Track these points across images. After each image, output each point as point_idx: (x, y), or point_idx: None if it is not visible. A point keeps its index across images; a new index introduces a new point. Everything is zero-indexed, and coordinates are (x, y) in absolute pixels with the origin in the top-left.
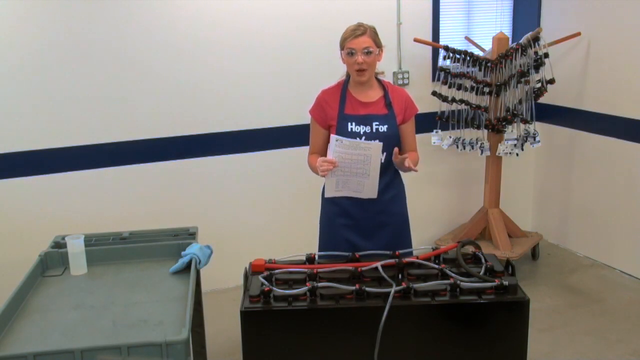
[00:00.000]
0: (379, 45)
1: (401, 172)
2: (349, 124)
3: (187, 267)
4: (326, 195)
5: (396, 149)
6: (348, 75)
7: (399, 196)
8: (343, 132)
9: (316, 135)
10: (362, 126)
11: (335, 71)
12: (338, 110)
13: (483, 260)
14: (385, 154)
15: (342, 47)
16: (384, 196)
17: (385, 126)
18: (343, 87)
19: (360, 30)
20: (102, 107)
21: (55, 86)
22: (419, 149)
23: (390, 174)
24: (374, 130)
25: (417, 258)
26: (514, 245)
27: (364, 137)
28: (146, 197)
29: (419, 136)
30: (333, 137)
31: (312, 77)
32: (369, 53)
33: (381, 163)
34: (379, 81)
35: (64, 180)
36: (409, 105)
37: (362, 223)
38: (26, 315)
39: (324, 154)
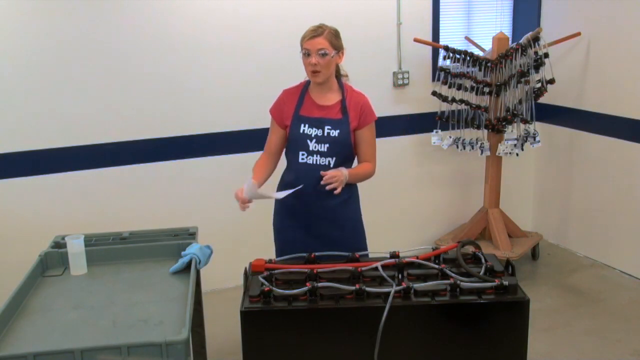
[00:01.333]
0: (336, 47)
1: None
2: (302, 125)
3: (187, 267)
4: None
5: (322, 173)
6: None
7: (351, 200)
8: (295, 131)
9: (272, 134)
10: (314, 129)
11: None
12: (294, 110)
13: (483, 260)
14: (335, 159)
15: (301, 47)
16: (334, 201)
17: (337, 131)
18: (303, 88)
19: (317, 31)
20: (103, 107)
21: (55, 86)
22: (419, 149)
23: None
24: (325, 134)
25: (417, 258)
26: (514, 245)
27: (314, 140)
28: (146, 197)
29: (419, 136)
30: (251, 180)
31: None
32: (324, 55)
33: (330, 167)
34: (340, 85)
35: (64, 180)
36: (366, 112)
37: (314, 227)
38: (26, 315)
39: (277, 155)
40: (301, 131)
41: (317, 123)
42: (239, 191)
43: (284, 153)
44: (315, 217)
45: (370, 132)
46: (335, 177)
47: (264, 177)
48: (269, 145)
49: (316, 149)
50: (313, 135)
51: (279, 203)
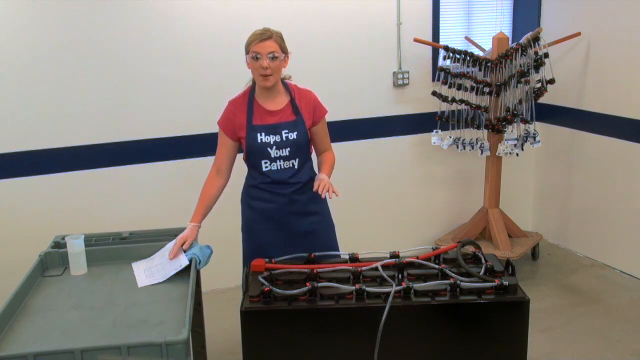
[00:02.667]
0: (284, 51)
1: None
2: (258, 134)
3: (187, 267)
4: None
5: (315, 185)
6: (254, 82)
7: (317, 196)
8: (253, 143)
9: (222, 148)
10: (271, 136)
11: (334, 71)
12: (246, 121)
13: (483, 260)
14: (298, 159)
15: (247, 51)
16: (301, 196)
17: (295, 133)
18: (249, 96)
19: (266, 34)
20: (102, 107)
21: (55, 86)
22: (419, 149)
23: (304, 176)
24: (284, 139)
25: (417, 258)
26: (514, 245)
27: (274, 147)
28: (146, 197)
29: (419, 136)
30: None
31: (312, 76)
32: (274, 58)
33: (295, 169)
34: (286, 86)
35: (64, 180)
36: (317, 107)
37: (286, 226)
38: (26, 315)
39: (228, 171)
40: (259, 141)
41: (273, 129)
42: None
43: (243, 160)
44: (287, 214)
45: (324, 125)
46: (325, 184)
47: (211, 205)
48: (218, 162)
49: (278, 155)
50: (272, 142)
51: (248, 208)
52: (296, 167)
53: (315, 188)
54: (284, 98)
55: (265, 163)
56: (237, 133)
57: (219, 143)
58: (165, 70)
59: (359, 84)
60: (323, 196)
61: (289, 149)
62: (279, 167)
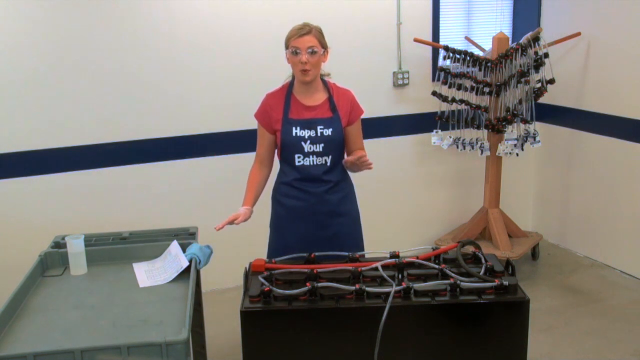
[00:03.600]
0: (324, 46)
1: (351, 174)
2: (294, 128)
3: (187, 268)
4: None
5: (346, 158)
6: (293, 77)
7: (348, 197)
8: (287, 136)
9: (261, 141)
10: (306, 130)
11: (334, 71)
12: (282, 114)
13: (483, 260)
14: (331, 157)
15: (286, 46)
16: (332, 196)
17: (330, 129)
18: (287, 91)
19: (305, 29)
20: (102, 107)
21: (55, 86)
22: (419, 149)
23: (337, 176)
24: (319, 134)
25: (417, 258)
26: (514, 245)
27: (308, 142)
28: (146, 197)
29: (419, 136)
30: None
31: None
32: (313, 53)
33: (327, 166)
34: (325, 83)
35: (64, 180)
36: (354, 108)
37: (314, 225)
38: (26, 315)
39: (270, 162)
40: (294, 134)
41: (309, 124)
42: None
43: (277, 157)
44: (318, 214)
45: (359, 126)
46: (365, 156)
47: (259, 192)
48: (260, 154)
49: (311, 150)
50: (306, 137)
51: (278, 204)
52: (329, 164)
53: (352, 158)
54: (322, 95)
55: (299, 157)
56: (273, 126)
57: (258, 136)
58: (165, 71)
59: (359, 84)
60: (357, 156)
61: (322, 144)
62: (311, 163)
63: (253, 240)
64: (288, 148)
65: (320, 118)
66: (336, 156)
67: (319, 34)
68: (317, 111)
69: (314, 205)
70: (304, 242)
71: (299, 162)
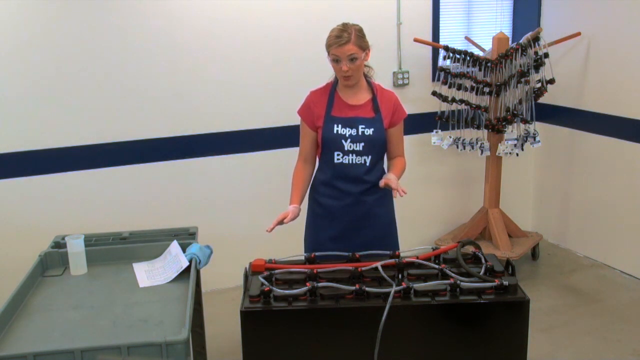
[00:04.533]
0: (364, 48)
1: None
2: (335, 125)
3: (187, 268)
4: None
5: (381, 181)
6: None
7: (384, 200)
8: (329, 133)
9: (305, 138)
10: (347, 128)
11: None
12: (325, 112)
13: (483, 260)
14: (370, 157)
15: (327, 52)
16: (368, 197)
17: (371, 129)
18: (332, 89)
19: (344, 38)
20: (102, 107)
21: (55, 86)
22: (419, 149)
23: (375, 177)
24: (360, 133)
25: (417, 258)
26: (514, 245)
27: (349, 140)
28: (146, 197)
29: (419, 136)
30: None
31: (311, 77)
32: (354, 59)
33: (366, 166)
34: (369, 83)
35: (64, 180)
36: (398, 110)
37: (349, 226)
38: (26, 315)
39: (314, 159)
40: (335, 132)
41: (351, 122)
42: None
43: (317, 156)
44: (352, 214)
45: (401, 129)
46: (393, 181)
47: (305, 189)
48: (303, 151)
49: (352, 149)
50: (347, 135)
51: (315, 203)
52: (368, 164)
53: (382, 184)
54: (366, 95)
55: (338, 155)
56: (315, 122)
57: (301, 133)
58: (165, 71)
59: None
60: (395, 194)
61: (363, 144)
62: (350, 162)
63: (253, 240)
64: (328, 145)
65: (362, 117)
66: (376, 157)
67: (358, 39)
68: (359, 110)
69: (349, 206)
70: (337, 242)
71: (337, 159)
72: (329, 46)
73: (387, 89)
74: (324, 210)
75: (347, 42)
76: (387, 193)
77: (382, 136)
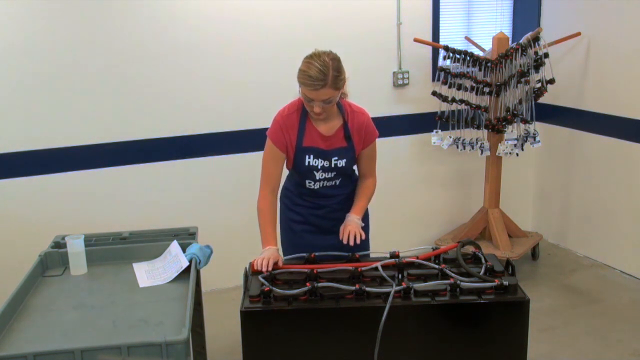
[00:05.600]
0: (341, 86)
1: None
2: (307, 156)
3: (187, 267)
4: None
5: (342, 236)
6: None
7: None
8: (300, 164)
9: (275, 164)
10: (320, 160)
11: None
12: (296, 140)
13: (483, 260)
14: (340, 179)
15: (299, 83)
16: (344, 206)
17: (344, 160)
18: (302, 115)
19: (320, 83)
20: (102, 107)
21: (55, 86)
22: (419, 149)
23: (347, 189)
24: (332, 165)
25: (417, 258)
26: (514, 245)
27: (321, 170)
28: (146, 197)
29: (419, 136)
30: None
31: None
32: (328, 102)
33: (337, 185)
34: (339, 106)
35: (64, 180)
36: (368, 132)
37: (320, 230)
38: (26, 315)
39: (278, 188)
40: (307, 163)
41: (324, 154)
42: (260, 260)
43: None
44: (328, 219)
45: (372, 149)
46: (354, 232)
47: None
48: (271, 180)
49: (323, 177)
50: (319, 167)
51: (287, 209)
52: (338, 184)
53: (340, 236)
54: (337, 122)
55: (309, 183)
56: (288, 149)
57: (269, 159)
58: (165, 71)
59: (359, 84)
60: (345, 242)
61: (334, 172)
62: (321, 186)
63: (253, 240)
64: (299, 174)
65: (335, 148)
66: (345, 180)
67: (335, 81)
68: (332, 140)
69: (324, 214)
70: (313, 246)
71: (309, 185)
72: (303, 84)
73: (358, 107)
74: (296, 215)
75: (322, 87)
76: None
77: (353, 163)
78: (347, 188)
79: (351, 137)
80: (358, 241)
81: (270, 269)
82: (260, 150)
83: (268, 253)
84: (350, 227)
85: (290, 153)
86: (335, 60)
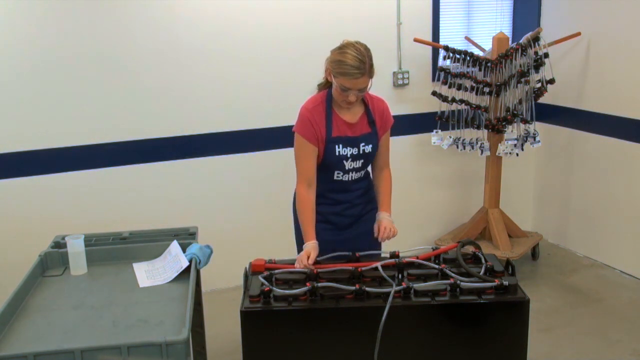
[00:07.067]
0: (373, 74)
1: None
2: (337, 146)
3: (187, 267)
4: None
5: (379, 234)
6: (330, 87)
7: (373, 198)
8: (330, 155)
9: (309, 158)
10: (349, 148)
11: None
12: (325, 132)
13: (483, 260)
14: (365, 170)
15: (334, 75)
16: (361, 199)
17: (370, 145)
18: (327, 106)
19: (359, 72)
20: (102, 107)
21: (55, 86)
22: (419, 149)
23: (366, 182)
24: (361, 152)
25: (417, 258)
26: (514, 245)
27: (350, 159)
28: (146, 197)
29: (419, 136)
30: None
31: (311, 78)
32: (363, 90)
33: (361, 178)
34: None
35: (64, 180)
36: (387, 118)
37: (338, 227)
38: (26, 315)
39: (315, 182)
40: (337, 153)
41: (352, 142)
42: (304, 258)
43: None
44: (346, 216)
45: (388, 136)
46: (388, 232)
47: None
48: (307, 175)
49: (352, 167)
50: (349, 155)
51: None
52: (363, 175)
53: (376, 233)
54: (359, 108)
55: (338, 174)
56: (318, 141)
57: (302, 155)
58: (165, 70)
59: None
60: (381, 239)
61: (362, 160)
62: (349, 179)
63: (253, 240)
64: (328, 165)
65: (362, 135)
66: (368, 166)
67: (371, 67)
68: (358, 127)
69: (343, 210)
70: (329, 243)
71: (337, 177)
72: (341, 74)
73: (376, 95)
74: (320, 217)
75: (362, 75)
76: (373, 192)
77: (377, 149)
78: (365, 182)
79: (375, 122)
80: (393, 237)
81: (312, 262)
82: (261, 150)
83: (309, 247)
84: (386, 224)
85: (320, 145)
86: (368, 48)
